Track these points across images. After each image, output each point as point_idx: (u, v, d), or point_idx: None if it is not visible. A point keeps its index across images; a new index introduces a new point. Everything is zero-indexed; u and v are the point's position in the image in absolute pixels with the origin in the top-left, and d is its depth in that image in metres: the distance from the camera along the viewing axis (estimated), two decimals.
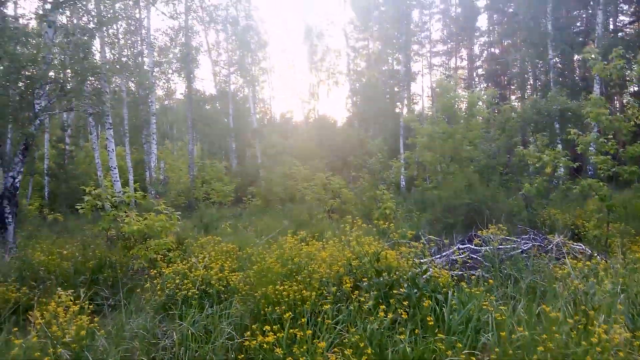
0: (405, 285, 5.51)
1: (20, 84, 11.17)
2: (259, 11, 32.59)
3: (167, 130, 32.25)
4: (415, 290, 5.43)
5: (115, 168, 18.31)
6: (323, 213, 14.46)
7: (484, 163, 16.93)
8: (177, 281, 6.02)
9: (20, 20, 14.64)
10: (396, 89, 34.23)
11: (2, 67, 10.00)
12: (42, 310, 6.69)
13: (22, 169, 11.56)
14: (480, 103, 17.45)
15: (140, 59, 21.07)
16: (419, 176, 19.53)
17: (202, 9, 23.86)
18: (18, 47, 9.65)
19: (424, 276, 5.77)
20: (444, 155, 16.55)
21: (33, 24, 15.28)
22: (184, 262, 7.20)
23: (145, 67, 21.04)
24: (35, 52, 9.08)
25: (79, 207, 9.84)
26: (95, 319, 5.23)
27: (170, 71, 28.06)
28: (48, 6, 11.71)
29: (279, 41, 43.39)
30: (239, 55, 29.41)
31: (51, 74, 11.05)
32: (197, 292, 5.84)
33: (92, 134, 20.39)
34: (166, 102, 31.91)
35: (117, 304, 6.92)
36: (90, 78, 10.63)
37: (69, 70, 10.62)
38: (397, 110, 33.13)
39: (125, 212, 8.70)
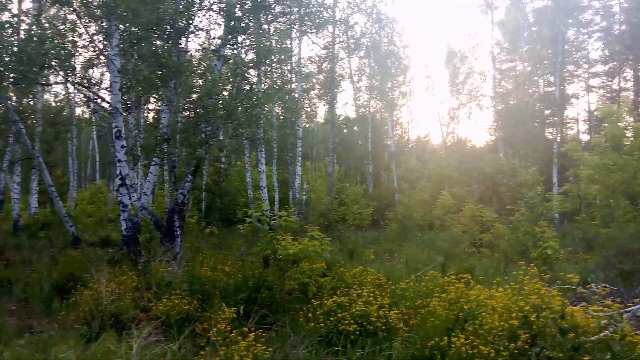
0: (597, 351, 4.75)
1: (192, 113, 12.48)
2: (402, 36, 32.62)
3: (307, 152, 33.70)
4: (609, 356, 4.65)
5: (264, 188, 19.51)
6: (470, 246, 13.64)
7: None
8: (340, 315, 5.98)
9: (191, 54, 16.50)
10: (547, 112, 31.50)
11: (187, 99, 11.25)
12: (207, 324, 7.18)
13: (190, 187, 12.83)
14: None
15: (289, 86, 22.35)
16: (579, 211, 17.49)
17: (347, 37, 24.66)
18: (196, 80, 10.74)
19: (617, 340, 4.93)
20: (614, 189, 14.57)
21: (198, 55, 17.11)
22: (338, 293, 7.20)
23: (293, 93, 22.26)
24: (210, 85, 10.02)
25: (241, 228, 10.52)
26: (258, 345, 5.33)
27: (314, 96, 29.52)
28: (218, 41, 13.00)
29: (420, 65, 42.99)
30: (379, 80, 29.69)
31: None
32: (357, 327, 5.74)
33: (246, 155, 22.06)
34: (307, 125, 33.42)
35: (274, 322, 7.16)
36: (254, 107, 11.40)
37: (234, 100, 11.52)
38: (549, 136, 30.41)
39: (282, 236, 9.06)
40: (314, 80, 28.43)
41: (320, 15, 15.04)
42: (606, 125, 17.28)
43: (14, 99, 16.10)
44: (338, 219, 23.02)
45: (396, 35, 30.10)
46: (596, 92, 38.83)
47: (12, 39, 12.24)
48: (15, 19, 12.43)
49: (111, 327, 7.00)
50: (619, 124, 16.34)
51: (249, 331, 5.59)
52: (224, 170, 24.68)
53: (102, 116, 13.62)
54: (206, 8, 12.34)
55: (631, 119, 18.45)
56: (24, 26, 14.03)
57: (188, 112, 12.15)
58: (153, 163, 13.87)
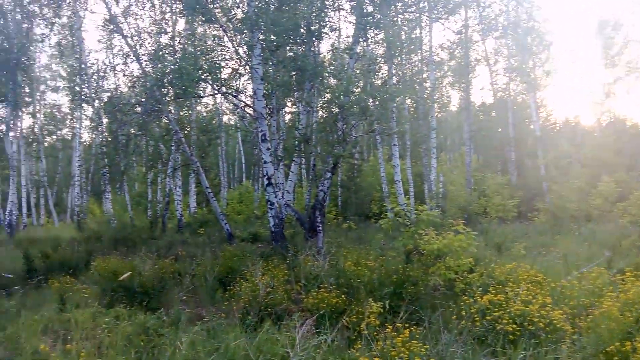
0: None
1: (328, 113, 12.85)
2: (542, 10, 29.68)
3: (441, 142, 32.57)
4: None
5: (399, 182, 19.35)
6: None
7: None
8: (496, 313, 5.64)
9: (324, 55, 16.96)
10: None
11: (321, 99, 11.64)
12: (356, 317, 7.30)
13: (329, 184, 13.24)
14: None
15: (421, 76, 21.79)
16: None
17: (481, 17, 23.21)
18: (333, 80, 11.04)
19: None
20: None
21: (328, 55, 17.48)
22: (490, 290, 6.80)
23: (425, 83, 21.67)
24: (347, 83, 10.20)
25: (381, 222, 10.56)
26: (414, 342, 5.24)
27: (446, 84, 28.37)
28: (348, 40, 13.18)
29: (565, 39, 38.67)
30: (519, 60, 27.40)
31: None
32: (517, 328, 5.35)
33: (379, 150, 22.10)
34: (440, 115, 32.26)
35: (424, 319, 7.02)
36: (387, 102, 11.34)
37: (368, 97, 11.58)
38: None
39: (424, 230, 8.86)
40: (446, 68, 27.29)
41: (452, 0, 14.40)
42: None
43: (173, 111, 18.24)
44: (478, 211, 21.84)
45: (536, 10, 27.50)
46: None
47: (171, 58, 13.85)
48: (172, 41, 13.99)
49: (268, 316, 7.53)
50: None
51: (402, 327, 5.56)
52: (357, 166, 25.03)
53: (248, 122, 14.78)
54: (338, 8, 12.57)
55: None
56: (178, 45, 15.78)
57: (324, 112, 12.55)
58: (293, 162, 14.63)
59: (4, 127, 22.17)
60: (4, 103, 20.96)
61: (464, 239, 8.49)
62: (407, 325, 5.76)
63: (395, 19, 15.40)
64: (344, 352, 5.49)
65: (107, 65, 16.66)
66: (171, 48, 14.20)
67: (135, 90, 14.22)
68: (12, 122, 22.15)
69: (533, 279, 7.35)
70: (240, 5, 12.51)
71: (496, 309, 5.78)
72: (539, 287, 6.94)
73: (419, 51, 22.44)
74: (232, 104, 17.47)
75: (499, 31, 24.91)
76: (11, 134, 22.88)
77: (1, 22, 19.08)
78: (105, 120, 20.24)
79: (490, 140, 30.88)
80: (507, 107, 28.63)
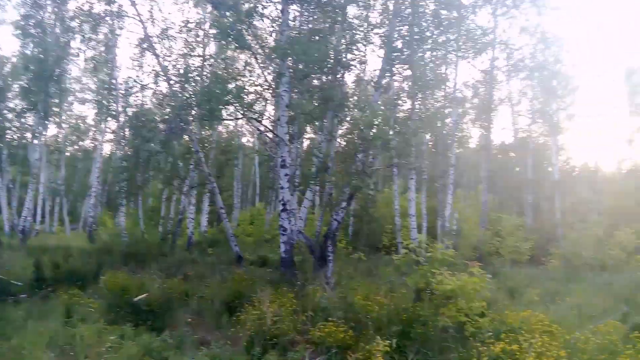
0: None
1: (349, 143, 12.93)
2: (570, 54, 29.64)
3: (458, 179, 32.36)
4: None
5: (413, 216, 19.25)
6: None
7: None
8: None
9: (348, 85, 17.15)
10: None
11: (342, 129, 11.74)
12: (361, 354, 7.17)
13: (344, 214, 13.21)
14: None
15: (443, 111, 21.84)
16: None
17: (508, 58, 23.37)
18: (357, 112, 11.15)
19: None
20: None
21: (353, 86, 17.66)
22: (503, 337, 6.64)
23: (447, 119, 21.71)
24: (370, 116, 10.29)
25: (396, 258, 10.47)
26: None
27: (467, 121, 28.36)
28: (374, 72, 13.34)
29: (591, 84, 38.56)
30: (543, 102, 27.36)
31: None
32: None
33: (394, 182, 22.05)
34: (458, 151, 32.17)
35: None
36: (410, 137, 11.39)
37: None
38: None
39: (438, 269, 8.74)
40: (468, 105, 27.34)
41: (480, 41, 14.54)
42: None
43: (195, 131, 18.53)
44: (491, 252, 21.50)
45: (563, 54, 27.56)
46: None
47: (199, 79, 14.16)
48: (202, 63, 14.31)
49: (273, 347, 7.44)
50: None
51: None
52: (372, 197, 24.94)
53: (268, 147, 14.98)
54: (368, 42, 12.79)
55: None
56: (208, 67, 16.14)
57: (345, 142, 12.64)
58: (309, 189, 14.66)
59: (29, 135, 22.73)
60: (34, 112, 21.53)
61: (477, 281, 8.35)
62: None
63: (422, 55, 15.61)
64: None
65: (138, 83, 17.07)
66: (200, 70, 14.52)
67: (163, 109, 14.51)
68: (39, 131, 22.70)
69: (547, 329, 7.16)
70: (273, 33, 12.81)
71: (509, 359, 5.63)
72: (552, 338, 6.75)
73: (443, 87, 22.58)
74: (253, 127, 17.68)
75: (525, 72, 24.99)
76: (35, 142, 23.44)
77: (41, 34, 19.76)
78: (128, 134, 20.63)
79: (507, 180, 30.60)
80: (527, 148, 28.46)
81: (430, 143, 24.96)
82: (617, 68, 57.55)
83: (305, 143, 24.50)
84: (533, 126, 29.28)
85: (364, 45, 12.90)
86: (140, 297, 9.00)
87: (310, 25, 13.54)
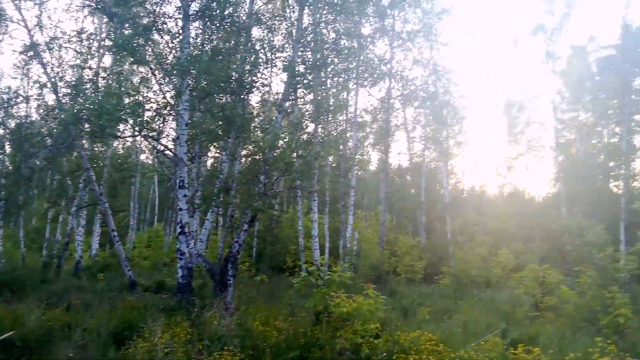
0: None
1: (251, 165, 12.82)
2: (458, 86, 32.54)
3: (359, 200, 33.48)
4: None
5: (316, 237, 19.48)
6: (533, 310, 12.81)
7: None
8: None
9: (253, 106, 17.13)
10: (611, 164, 29.97)
11: (245, 150, 11.62)
12: None
13: (245, 237, 13.00)
14: None
15: (344, 135, 22.60)
16: None
17: (403, 88, 24.86)
18: (260, 134, 11.11)
19: None
20: None
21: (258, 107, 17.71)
22: (394, 358, 6.89)
23: (348, 142, 22.49)
24: (273, 138, 10.31)
25: (295, 282, 10.45)
26: None
27: (367, 145, 29.60)
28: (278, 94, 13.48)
29: (476, 114, 42.48)
30: (434, 130, 29.51)
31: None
32: None
33: (298, 203, 22.24)
34: (359, 173, 33.39)
35: None
36: (312, 160, 11.56)
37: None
38: (616, 190, 28.78)
39: (336, 292, 8.89)
40: (368, 130, 28.63)
41: (378, 70, 15.37)
42: None
43: (86, 147, 17.24)
44: (389, 271, 22.43)
45: (453, 86, 30.07)
46: None
47: (91, 92, 13.26)
48: (95, 77, 13.45)
49: None
50: None
51: None
52: (276, 218, 24.90)
53: (166, 166, 14.35)
54: (271, 65, 12.87)
55: None
56: (102, 81, 15.19)
57: (247, 164, 12.51)
58: (211, 211, 14.25)
59: None
60: None
61: (372, 303, 8.62)
62: None
63: (324, 81, 16.10)
64: None
65: (20, 95, 15.52)
66: (93, 84, 13.62)
67: (48, 123, 13.34)
68: None
69: (434, 348, 7.56)
70: (173, 51, 12.43)
71: None
72: (439, 357, 7.14)
73: (345, 112, 23.42)
74: (152, 145, 16.87)
75: (418, 101, 26.74)
76: None
77: None
78: (8, 149, 18.64)
79: (404, 202, 32.30)
80: (421, 172, 30.37)
81: (334, 165, 25.68)
82: (498, 101, 63.92)
83: (210, 162, 23.94)
84: (426, 151, 31.38)
85: (267, 68, 12.97)
86: (3, 336, 8.03)
87: (212, 44, 13.37)
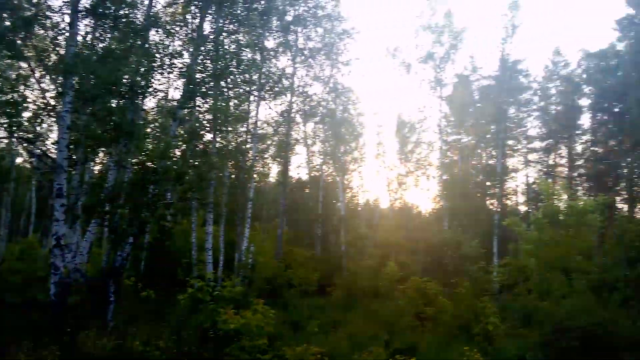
0: None
1: (141, 174, 12.16)
2: (356, 105, 34.06)
3: (257, 213, 33.31)
4: None
5: (210, 250, 18.97)
6: (415, 319, 13.62)
7: (596, 277, 15.29)
8: None
9: (147, 112, 16.34)
10: (488, 183, 33.15)
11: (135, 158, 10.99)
12: None
13: (130, 250, 12.28)
14: (592, 212, 16.11)
15: (244, 146, 22.41)
16: (517, 284, 18.03)
17: (304, 103, 25.32)
18: (149, 144, 10.59)
19: None
20: (551, 264, 15.22)
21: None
22: None
23: (248, 153, 22.32)
24: (164, 147, 9.89)
25: (181, 299, 10.05)
26: None
27: (268, 157, 29.63)
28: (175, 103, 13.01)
29: (372, 132, 44.65)
30: (333, 145, 30.44)
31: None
32: None
33: (193, 215, 21.49)
34: (259, 185, 33.28)
35: None
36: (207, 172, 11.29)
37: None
38: (491, 207, 31.82)
39: (224, 309, 8.70)
40: (269, 142, 28.70)
41: (279, 84, 15.50)
42: (544, 201, 18.30)
43: None
44: (284, 283, 22.49)
45: (351, 104, 31.29)
46: (534, 167, 41.58)
47: None
48: None
49: None
50: (555, 201, 17.36)
51: None
52: (168, 229, 23.79)
53: (43, 172, 13.04)
54: (167, 71, 12.38)
55: (566, 196, 19.64)
56: None
57: (136, 172, 11.84)
58: (93, 222, 13.26)
59: None
60: None
61: (261, 318, 8.58)
62: None
63: (225, 90, 15.85)
64: None
65: None
66: None
67: None
68: None
69: None
70: (57, 48, 11.45)
71: None
72: None
73: (246, 123, 23.26)
74: (27, 150, 15.28)
75: (318, 117, 27.43)
76: None
77: None
78: None
79: (302, 214, 32.74)
80: (319, 186, 31.07)
81: (233, 176, 25.29)
82: (392, 121, 67.77)
83: (97, 169, 22.25)
84: (324, 166, 32.23)
85: (162, 73, 12.48)
86: None
87: (104, 44, 12.56)
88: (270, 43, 20.72)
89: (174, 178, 11.17)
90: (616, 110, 32.03)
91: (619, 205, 32.49)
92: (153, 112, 16.66)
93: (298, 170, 38.19)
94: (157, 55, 12.47)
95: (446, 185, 32.34)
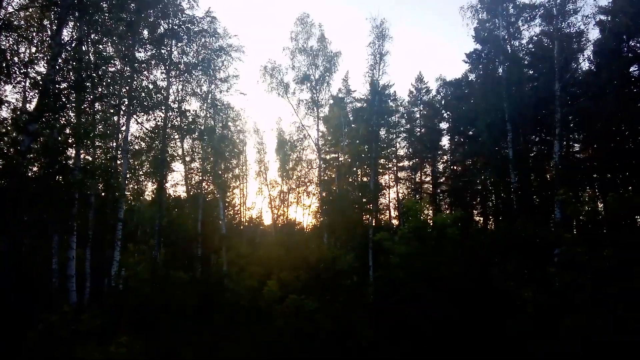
0: None
1: None
2: (237, 122, 33.76)
3: (131, 233, 31.18)
4: None
5: (73, 277, 17.24)
6: (293, 339, 13.68)
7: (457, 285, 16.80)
8: None
9: None
10: (364, 200, 34.94)
11: None
12: None
13: None
14: (451, 226, 17.75)
15: (113, 163, 20.89)
16: (391, 293, 19.09)
17: (180, 119, 24.39)
18: None
19: None
20: (419, 275, 16.41)
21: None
22: None
23: (118, 170, 20.82)
24: (14, 164, 8.80)
25: (30, 336, 8.90)
26: None
27: (141, 175, 27.90)
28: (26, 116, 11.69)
29: (253, 150, 44.63)
30: (213, 162, 29.73)
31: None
32: None
33: (54, 239, 19.38)
34: (133, 204, 31.21)
35: None
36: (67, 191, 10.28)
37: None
38: (366, 221, 33.50)
39: (83, 347, 7.88)
40: (144, 158, 27.05)
41: (152, 98, 14.72)
42: (410, 217, 19.71)
43: None
44: (160, 309, 21.17)
45: (231, 121, 30.93)
46: (403, 184, 45.03)
47: None
48: None
49: None
50: (420, 216, 18.80)
51: None
52: (25, 255, 21.13)
53: None
54: (15, 81, 11.11)
55: (430, 212, 21.44)
56: None
57: None
58: None
59: None
60: None
61: (125, 352, 7.93)
62: None
63: (90, 103, 14.65)
64: None
65: None
66: None
67: None
68: None
69: None
70: None
71: None
72: None
73: (114, 138, 21.73)
74: None
75: (196, 133, 26.59)
76: None
77: None
78: None
79: (180, 234, 31.35)
80: (198, 204, 30.08)
81: (102, 194, 23.33)
82: (273, 139, 68.32)
83: None
84: (204, 183, 31.35)
85: (11, 83, 11.19)
86: None
87: None
88: (141, 55, 19.72)
89: (24, 198, 9.98)
90: (470, 133, 35.99)
91: (477, 218, 36.47)
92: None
93: (175, 188, 36.62)
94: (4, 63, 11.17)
95: (325, 201, 33.38)
